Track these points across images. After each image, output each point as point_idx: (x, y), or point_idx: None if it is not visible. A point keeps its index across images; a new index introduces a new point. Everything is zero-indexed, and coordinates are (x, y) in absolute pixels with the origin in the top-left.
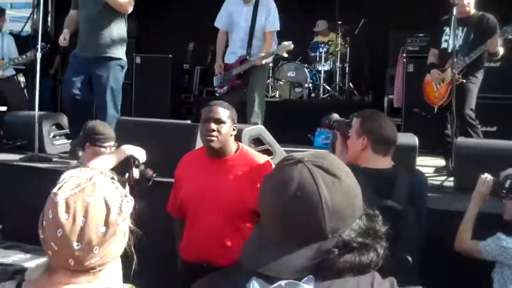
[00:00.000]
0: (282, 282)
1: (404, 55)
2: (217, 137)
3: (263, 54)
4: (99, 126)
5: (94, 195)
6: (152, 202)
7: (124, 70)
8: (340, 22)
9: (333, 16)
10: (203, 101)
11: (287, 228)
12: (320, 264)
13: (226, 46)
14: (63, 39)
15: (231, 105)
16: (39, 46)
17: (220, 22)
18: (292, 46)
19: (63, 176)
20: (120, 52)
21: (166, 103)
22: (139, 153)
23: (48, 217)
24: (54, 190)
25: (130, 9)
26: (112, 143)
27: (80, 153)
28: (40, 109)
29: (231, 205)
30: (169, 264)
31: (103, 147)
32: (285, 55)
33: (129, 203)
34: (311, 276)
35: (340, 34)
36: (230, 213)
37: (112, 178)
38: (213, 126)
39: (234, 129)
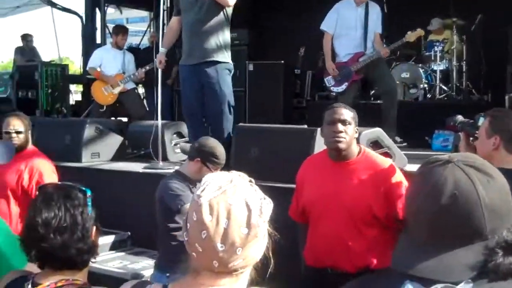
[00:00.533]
0: (439, 286)
1: None
2: (345, 138)
3: (383, 49)
4: (219, 149)
5: (236, 197)
6: (273, 208)
7: (231, 74)
8: (455, 19)
9: (447, 13)
10: (315, 105)
11: (445, 230)
12: (483, 267)
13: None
14: (159, 62)
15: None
16: (156, 59)
17: (329, 25)
18: (423, 32)
19: (204, 179)
20: (226, 56)
21: (279, 108)
22: None
23: (192, 219)
24: (198, 192)
25: (233, 2)
26: (219, 169)
27: (186, 160)
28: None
29: (354, 209)
30: (293, 269)
31: (213, 170)
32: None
33: (269, 205)
34: (469, 279)
35: (455, 31)
36: (353, 218)
37: (250, 181)
38: (340, 127)
39: (356, 131)
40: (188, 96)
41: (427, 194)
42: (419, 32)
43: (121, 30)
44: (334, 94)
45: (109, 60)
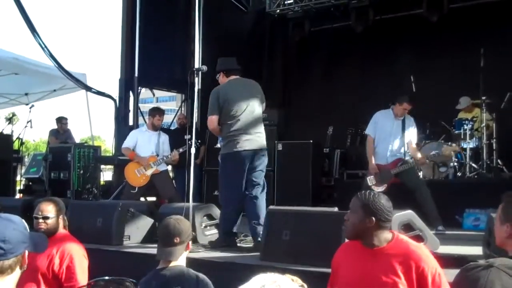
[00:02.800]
0: None
1: None
2: (346, 227)
3: (420, 157)
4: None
5: None
6: None
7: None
8: (484, 98)
9: (477, 92)
10: (344, 184)
11: None
12: None
13: None
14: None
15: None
16: (193, 142)
17: (372, 130)
18: (458, 148)
19: (254, 278)
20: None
21: (308, 187)
22: None
23: None
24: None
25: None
26: None
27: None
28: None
29: None
30: None
31: None
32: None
33: None
34: None
35: (485, 109)
36: None
37: (302, 286)
38: (346, 215)
39: (370, 221)
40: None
41: None
42: (455, 148)
43: (157, 111)
44: (361, 173)
45: (144, 141)
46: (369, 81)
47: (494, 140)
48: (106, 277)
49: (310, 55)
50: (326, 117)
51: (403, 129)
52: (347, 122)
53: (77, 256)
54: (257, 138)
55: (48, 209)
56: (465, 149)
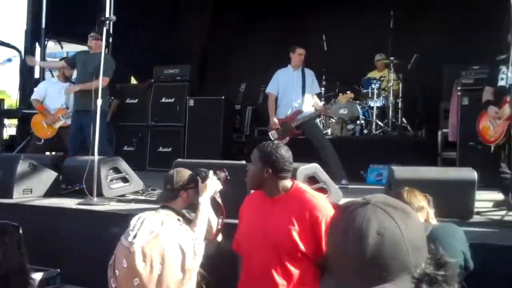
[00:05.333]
0: None
1: (458, 88)
2: (247, 176)
3: (322, 107)
4: (186, 172)
5: (169, 241)
6: (220, 243)
7: None
8: (392, 58)
9: (386, 52)
10: (254, 140)
11: (373, 267)
12: None
13: None
14: None
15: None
16: (99, 96)
17: (273, 88)
18: (352, 95)
19: (132, 222)
20: None
21: (219, 143)
22: (215, 188)
23: (122, 265)
24: (129, 239)
25: None
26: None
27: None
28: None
29: (280, 244)
30: None
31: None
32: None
33: (201, 246)
34: None
35: (392, 69)
36: (280, 253)
37: (179, 219)
38: (248, 167)
39: (267, 171)
40: None
41: (353, 236)
42: (349, 95)
43: None
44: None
45: (54, 93)
46: (283, 39)
47: (400, 99)
48: None
49: (225, 12)
50: (239, 74)
51: (303, 81)
52: (260, 80)
53: None
54: None
55: None
56: (372, 108)
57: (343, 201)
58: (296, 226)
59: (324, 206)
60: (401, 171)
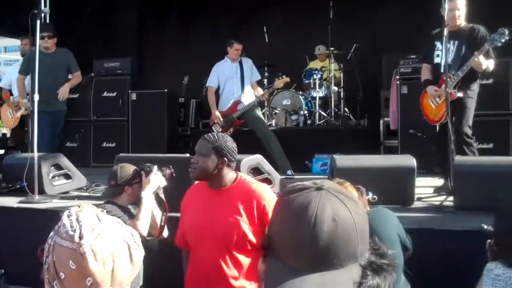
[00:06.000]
0: None
1: (397, 77)
2: (195, 168)
3: (262, 93)
4: (130, 168)
5: (113, 235)
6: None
7: None
8: (332, 48)
9: (325, 42)
10: (200, 133)
11: (325, 255)
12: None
13: None
14: None
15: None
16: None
17: (212, 82)
18: (288, 79)
19: (66, 221)
20: None
21: (163, 137)
22: (158, 183)
23: (68, 267)
24: (75, 239)
25: None
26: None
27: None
28: (39, 150)
29: (229, 235)
30: None
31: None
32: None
33: (137, 234)
34: None
35: (333, 59)
36: (228, 245)
37: (108, 212)
38: (195, 158)
39: (222, 162)
40: None
41: (305, 222)
42: (286, 79)
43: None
44: None
45: None
46: (224, 31)
47: (342, 89)
48: None
49: (165, 3)
50: (182, 67)
51: (241, 72)
52: (202, 72)
53: None
54: None
55: None
56: (314, 98)
57: None
58: (244, 216)
59: (270, 196)
60: (343, 160)
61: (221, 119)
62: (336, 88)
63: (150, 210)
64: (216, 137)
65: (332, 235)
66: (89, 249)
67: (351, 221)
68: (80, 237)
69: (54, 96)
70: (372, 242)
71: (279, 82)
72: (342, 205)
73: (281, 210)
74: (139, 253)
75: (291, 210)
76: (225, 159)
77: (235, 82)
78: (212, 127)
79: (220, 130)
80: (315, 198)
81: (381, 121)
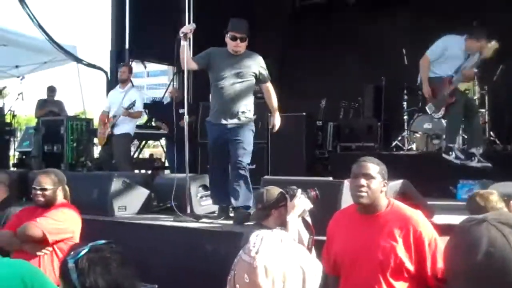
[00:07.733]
0: None
1: None
2: (366, 192)
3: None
4: (275, 190)
5: (290, 260)
6: None
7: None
8: (476, 70)
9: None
10: (337, 156)
11: (481, 285)
12: None
13: None
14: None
15: (376, 161)
16: (186, 113)
17: (433, 51)
18: (497, 45)
19: (252, 239)
20: None
21: (302, 160)
22: (304, 207)
23: (243, 280)
24: (252, 254)
25: None
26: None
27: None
28: (179, 171)
29: (386, 262)
30: None
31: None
32: None
33: (318, 265)
34: None
35: (477, 81)
36: (384, 270)
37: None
38: (363, 181)
39: (384, 185)
40: None
41: (463, 252)
42: (495, 45)
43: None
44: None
45: (114, 101)
46: (363, 53)
47: (486, 112)
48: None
49: (303, 27)
50: (319, 90)
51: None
52: (340, 95)
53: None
54: None
55: (46, 181)
56: None
57: (436, 217)
58: (400, 243)
59: (426, 222)
60: (498, 187)
61: (431, 94)
62: (482, 111)
63: (297, 234)
64: (374, 159)
65: (487, 266)
66: (261, 265)
67: (509, 252)
68: (257, 252)
69: None
70: None
71: (489, 51)
72: (502, 237)
73: (448, 242)
74: (314, 281)
75: (453, 242)
76: (386, 182)
77: (459, 60)
78: (426, 108)
79: (434, 109)
80: (474, 230)
81: None
